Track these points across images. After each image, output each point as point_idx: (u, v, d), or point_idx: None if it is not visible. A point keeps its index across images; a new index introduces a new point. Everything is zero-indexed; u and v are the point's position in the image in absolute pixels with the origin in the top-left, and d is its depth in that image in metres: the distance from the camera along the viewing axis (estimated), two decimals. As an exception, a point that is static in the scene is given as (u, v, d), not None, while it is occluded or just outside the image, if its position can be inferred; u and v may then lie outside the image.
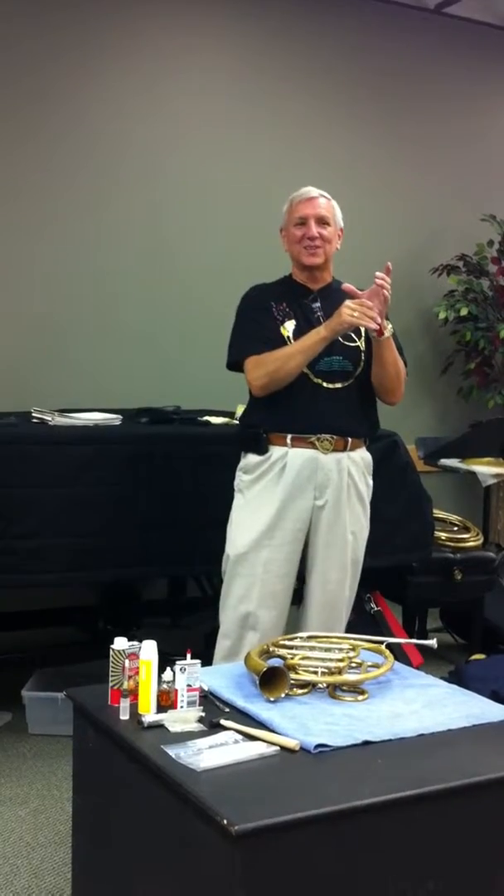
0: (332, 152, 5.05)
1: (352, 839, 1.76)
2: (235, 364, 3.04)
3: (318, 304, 3.00)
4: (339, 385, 2.95)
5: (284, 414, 2.94)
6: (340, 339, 2.93)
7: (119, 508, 3.39)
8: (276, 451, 2.96)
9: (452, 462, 4.57)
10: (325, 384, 2.94)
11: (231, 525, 3.04)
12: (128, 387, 4.49)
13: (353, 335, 2.98)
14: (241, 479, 3.05)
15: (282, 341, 2.93)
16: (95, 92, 4.53)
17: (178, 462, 3.50)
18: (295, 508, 2.95)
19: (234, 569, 2.99)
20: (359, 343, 3.00)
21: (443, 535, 4.30)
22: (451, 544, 4.29)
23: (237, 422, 3.84)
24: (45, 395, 4.06)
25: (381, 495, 3.80)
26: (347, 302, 2.81)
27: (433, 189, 5.40)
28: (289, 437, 2.94)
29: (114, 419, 3.68)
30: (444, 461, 4.58)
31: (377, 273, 2.81)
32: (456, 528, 4.48)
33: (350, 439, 2.99)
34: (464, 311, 5.14)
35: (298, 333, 2.92)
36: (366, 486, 3.08)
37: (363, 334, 2.99)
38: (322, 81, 5.05)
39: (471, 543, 4.34)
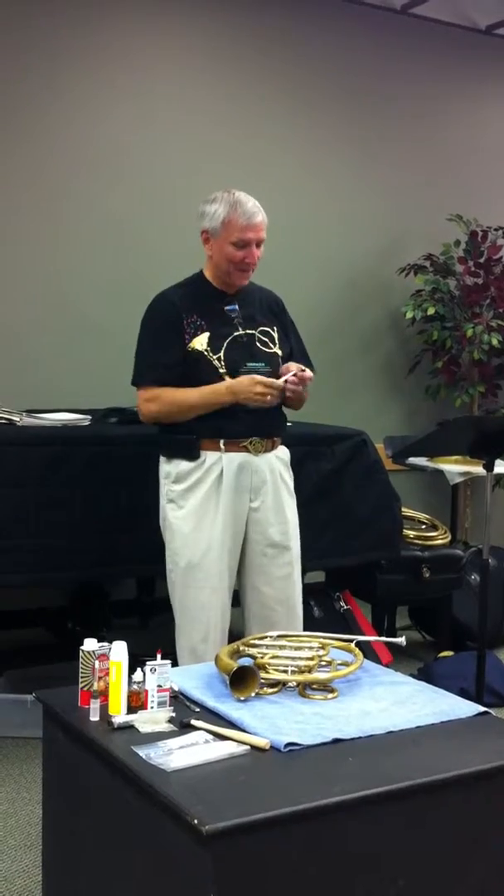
0: (297, 151, 5.05)
1: (322, 837, 1.76)
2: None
3: (235, 308, 2.99)
4: None
5: (219, 420, 2.91)
6: (258, 344, 2.99)
7: (87, 509, 3.38)
8: (209, 457, 2.93)
9: (420, 460, 4.59)
10: None
11: (173, 537, 2.96)
12: (96, 387, 4.46)
13: (268, 342, 3.03)
14: (170, 488, 2.97)
15: (192, 359, 2.91)
16: (54, 91, 4.50)
17: (146, 462, 3.49)
18: (235, 513, 2.95)
19: (186, 580, 2.95)
20: (275, 349, 3.04)
21: (411, 533, 4.32)
22: (420, 542, 4.31)
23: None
24: (13, 396, 4.04)
25: (350, 494, 3.82)
26: (259, 380, 2.85)
27: (400, 189, 5.41)
28: (222, 441, 2.93)
29: (82, 419, 3.66)
30: (412, 460, 4.60)
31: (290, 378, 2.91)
32: (424, 527, 4.50)
33: (276, 439, 3.04)
34: (431, 311, 5.17)
35: (215, 343, 2.92)
36: (290, 477, 3.12)
37: (276, 341, 3.04)
38: (287, 80, 5.05)
39: (439, 541, 4.37)
